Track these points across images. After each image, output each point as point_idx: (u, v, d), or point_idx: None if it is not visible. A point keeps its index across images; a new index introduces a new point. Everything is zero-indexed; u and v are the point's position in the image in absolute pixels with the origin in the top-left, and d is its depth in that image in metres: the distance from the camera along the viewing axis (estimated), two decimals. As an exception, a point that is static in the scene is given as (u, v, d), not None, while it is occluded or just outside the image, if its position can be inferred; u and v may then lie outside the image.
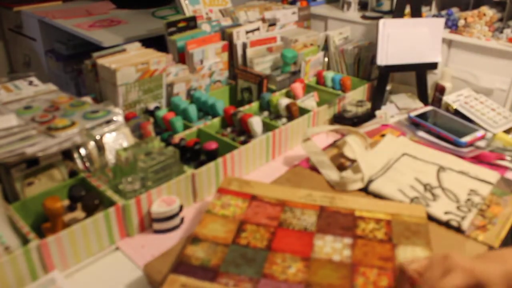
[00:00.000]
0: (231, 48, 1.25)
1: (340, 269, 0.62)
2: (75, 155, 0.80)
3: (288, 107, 1.06)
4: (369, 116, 1.15)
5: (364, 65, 1.31)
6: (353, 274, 0.61)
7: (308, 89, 1.24)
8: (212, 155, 0.88)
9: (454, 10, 1.30)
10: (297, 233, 0.69)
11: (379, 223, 0.71)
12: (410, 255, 0.64)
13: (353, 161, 0.96)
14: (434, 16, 1.31)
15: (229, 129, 1.04)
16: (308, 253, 0.65)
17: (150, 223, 0.76)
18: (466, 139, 1.01)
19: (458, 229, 0.75)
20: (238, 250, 0.66)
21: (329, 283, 0.60)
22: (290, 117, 1.06)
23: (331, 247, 0.66)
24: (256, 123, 0.98)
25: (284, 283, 0.60)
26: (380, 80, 1.18)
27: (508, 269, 0.54)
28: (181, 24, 1.20)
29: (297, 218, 0.72)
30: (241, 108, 1.07)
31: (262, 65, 1.25)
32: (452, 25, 1.26)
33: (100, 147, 0.81)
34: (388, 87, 1.24)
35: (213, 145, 0.89)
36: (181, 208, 0.77)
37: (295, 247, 0.67)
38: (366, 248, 0.66)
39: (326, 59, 1.37)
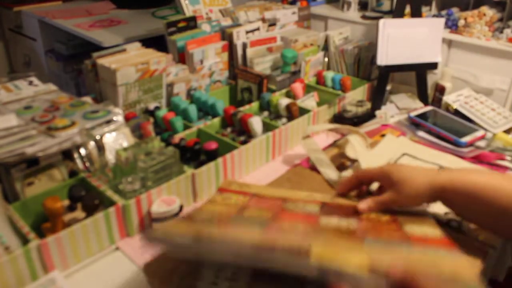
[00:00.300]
0: (231, 48, 1.25)
1: (350, 233, 0.62)
2: (75, 155, 0.80)
3: (288, 107, 1.06)
4: (369, 116, 1.15)
5: (364, 65, 1.31)
6: (363, 235, 0.61)
7: (308, 89, 1.24)
8: (212, 155, 0.88)
9: (454, 10, 1.30)
10: (301, 214, 0.69)
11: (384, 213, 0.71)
12: (418, 230, 0.64)
13: (353, 161, 0.96)
14: (434, 16, 1.31)
15: (229, 129, 1.04)
16: (315, 224, 0.65)
17: (150, 223, 0.76)
18: (466, 139, 1.01)
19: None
20: (242, 218, 0.66)
21: (341, 233, 0.60)
22: (290, 117, 1.06)
23: (337, 223, 0.66)
24: (256, 123, 0.98)
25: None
26: (380, 80, 1.18)
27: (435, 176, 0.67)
28: (181, 24, 1.20)
29: (300, 207, 0.73)
30: (241, 108, 1.07)
31: (262, 65, 1.25)
32: (452, 25, 1.26)
33: (100, 147, 0.81)
34: (388, 87, 1.24)
35: (213, 145, 0.89)
36: (181, 208, 0.77)
37: (301, 221, 0.66)
38: (373, 225, 0.66)
39: (326, 59, 1.37)
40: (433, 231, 0.64)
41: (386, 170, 0.70)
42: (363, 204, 0.70)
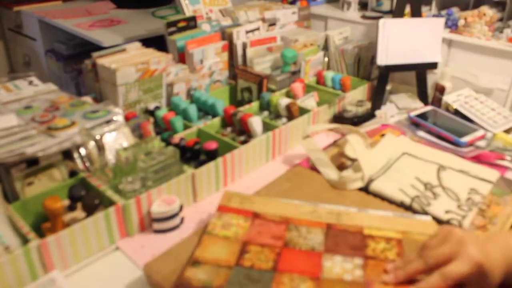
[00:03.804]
0: (231, 48, 1.25)
1: (354, 287, 0.59)
2: (75, 155, 0.80)
3: (288, 107, 1.06)
4: (369, 116, 1.15)
5: (364, 65, 1.31)
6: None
7: (308, 89, 1.24)
8: (212, 155, 0.88)
9: (454, 10, 1.30)
10: (304, 254, 0.66)
11: (390, 242, 0.67)
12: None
13: (353, 160, 0.96)
14: (434, 16, 1.31)
15: (229, 129, 1.04)
16: (317, 274, 0.62)
17: (150, 223, 0.76)
18: (466, 139, 1.01)
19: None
20: (242, 271, 0.62)
21: None
22: (290, 117, 1.06)
23: (341, 268, 0.63)
24: (256, 123, 0.98)
25: None
26: (380, 80, 1.18)
27: (508, 251, 0.56)
28: (181, 24, 1.20)
29: (303, 237, 0.69)
30: (241, 108, 1.07)
31: (262, 65, 1.25)
32: (452, 25, 1.26)
33: (100, 147, 0.82)
34: (388, 87, 1.24)
35: (213, 145, 0.89)
36: (181, 208, 0.77)
37: (303, 267, 0.63)
38: (379, 269, 0.62)
39: (326, 59, 1.37)
40: None
41: (480, 265, 0.54)
42: None
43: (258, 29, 1.32)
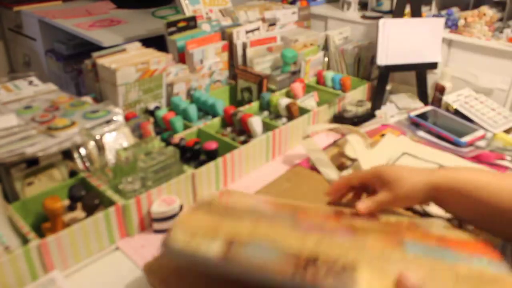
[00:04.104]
0: (231, 48, 1.25)
1: (383, 227, 0.57)
2: (75, 155, 0.80)
3: (288, 107, 1.06)
4: (369, 116, 1.15)
5: (364, 65, 1.31)
6: (398, 232, 0.56)
7: (308, 89, 1.24)
8: (212, 155, 0.88)
9: (454, 10, 1.30)
10: (321, 214, 0.64)
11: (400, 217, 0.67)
12: (447, 233, 0.59)
13: (353, 160, 0.96)
14: (434, 16, 1.31)
15: (229, 129, 1.04)
16: (339, 220, 0.60)
17: (150, 223, 0.76)
18: (466, 139, 1.01)
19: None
20: (258, 212, 0.60)
21: (379, 230, 0.55)
22: (290, 117, 1.06)
23: (363, 223, 0.61)
24: (256, 123, 0.98)
25: (327, 227, 0.54)
26: (380, 80, 1.18)
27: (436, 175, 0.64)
28: (181, 24, 1.20)
29: (313, 210, 0.67)
30: (241, 108, 1.07)
31: (262, 65, 1.25)
32: (452, 25, 1.26)
33: (100, 147, 0.82)
34: (388, 87, 1.24)
35: (213, 145, 0.89)
36: (181, 208, 0.77)
37: (323, 219, 0.61)
38: (402, 227, 0.60)
39: (326, 59, 1.37)
40: (459, 233, 0.59)
41: (378, 170, 0.67)
42: (362, 204, 0.66)
43: (258, 29, 1.32)
